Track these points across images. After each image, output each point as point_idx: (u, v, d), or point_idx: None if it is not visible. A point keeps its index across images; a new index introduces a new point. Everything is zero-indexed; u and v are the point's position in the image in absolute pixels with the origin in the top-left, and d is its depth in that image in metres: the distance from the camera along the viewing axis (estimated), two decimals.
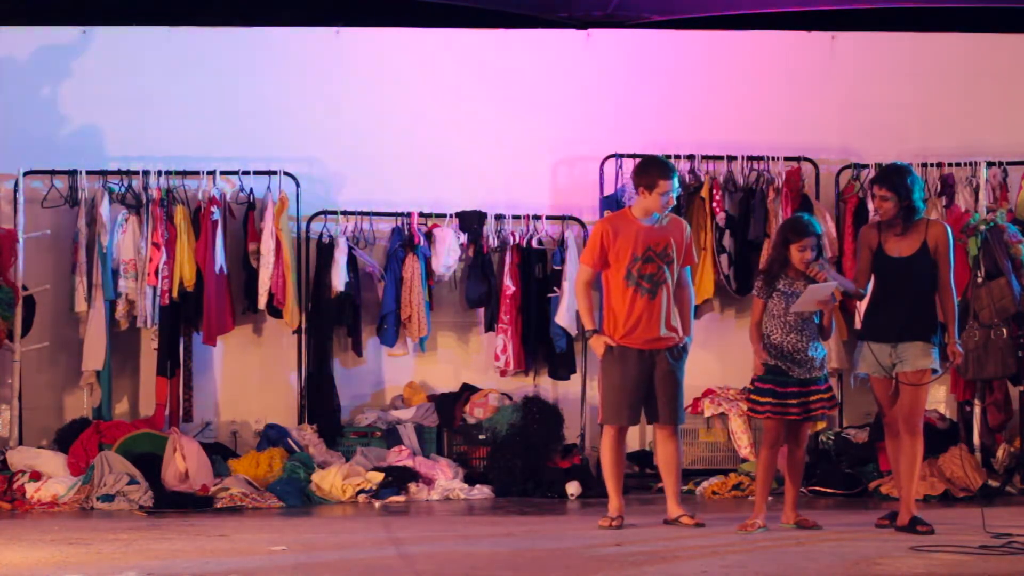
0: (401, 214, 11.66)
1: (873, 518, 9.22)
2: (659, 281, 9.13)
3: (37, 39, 11.81)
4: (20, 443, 11.12)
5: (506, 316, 11.65)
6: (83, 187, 11.36)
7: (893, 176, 8.94)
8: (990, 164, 11.59)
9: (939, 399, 11.64)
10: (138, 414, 11.66)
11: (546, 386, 11.92)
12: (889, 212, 8.92)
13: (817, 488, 11.01)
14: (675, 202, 9.27)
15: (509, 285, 11.67)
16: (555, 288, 11.66)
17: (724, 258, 11.67)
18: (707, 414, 11.55)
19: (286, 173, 11.59)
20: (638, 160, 9.99)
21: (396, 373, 11.92)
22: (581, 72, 12.18)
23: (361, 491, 10.73)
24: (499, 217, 11.78)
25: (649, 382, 9.16)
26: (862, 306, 9.43)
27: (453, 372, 11.96)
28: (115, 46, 11.88)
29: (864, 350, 8.99)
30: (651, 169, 9.22)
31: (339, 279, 11.44)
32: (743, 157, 11.81)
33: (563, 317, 11.57)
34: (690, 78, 12.19)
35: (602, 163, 11.79)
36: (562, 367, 11.79)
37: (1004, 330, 10.79)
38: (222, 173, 11.54)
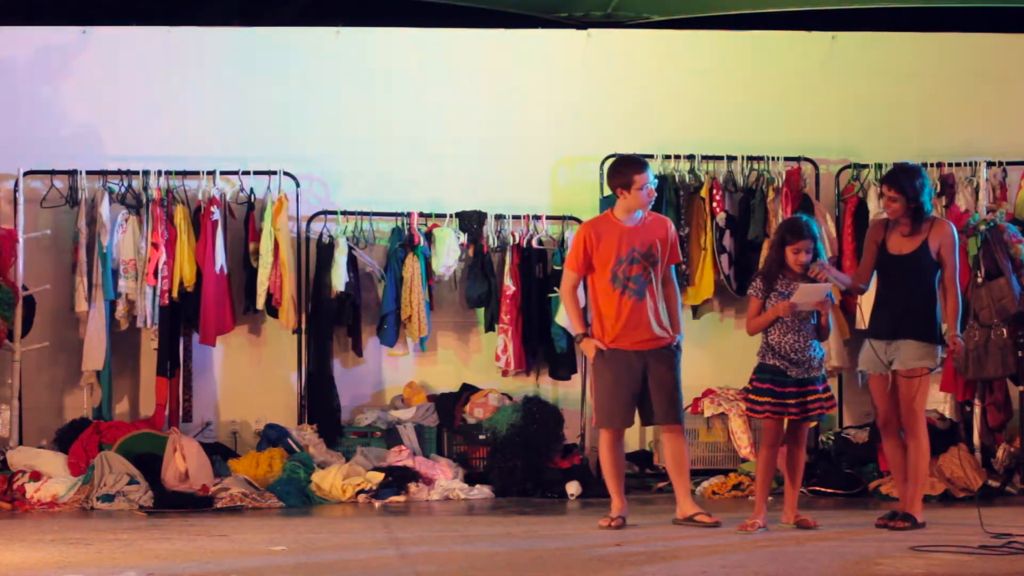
0: (401, 214, 11.66)
1: (873, 518, 9.21)
2: (645, 282, 9.10)
3: (37, 39, 11.79)
4: (20, 443, 11.11)
5: (506, 316, 11.64)
6: (83, 187, 11.36)
7: (902, 178, 8.95)
8: (990, 164, 11.59)
9: (939, 399, 11.61)
10: (138, 414, 11.65)
11: (547, 386, 11.92)
12: (897, 213, 8.95)
13: (817, 488, 11.01)
14: (656, 194, 9.27)
15: (509, 285, 11.66)
16: (555, 288, 11.65)
17: (724, 258, 11.67)
18: (707, 414, 11.55)
19: (286, 173, 11.59)
20: (608, 165, 9.93)
21: (396, 373, 11.91)
22: (581, 72, 12.17)
23: (361, 491, 10.72)
24: (499, 217, 11.77)
25: (643, 384, 9.13)
26: (865, 305, 9.44)
27: (453, 372, 11.95)
28: (115, 46, 11.87)
29: (866, 347, 9.02)
30: (622, 168, 9.21)
31: (339, 279, 11.43)
32: (743, 157, 11.80)
33: (564, 317, 11.55)
34: (690, 78, 12.18)
35: (602, 163, 11.77)
36: (563, 367, 11.79)
37: (1004, 330, 10.79)
38: (222, 173, 11.53)
